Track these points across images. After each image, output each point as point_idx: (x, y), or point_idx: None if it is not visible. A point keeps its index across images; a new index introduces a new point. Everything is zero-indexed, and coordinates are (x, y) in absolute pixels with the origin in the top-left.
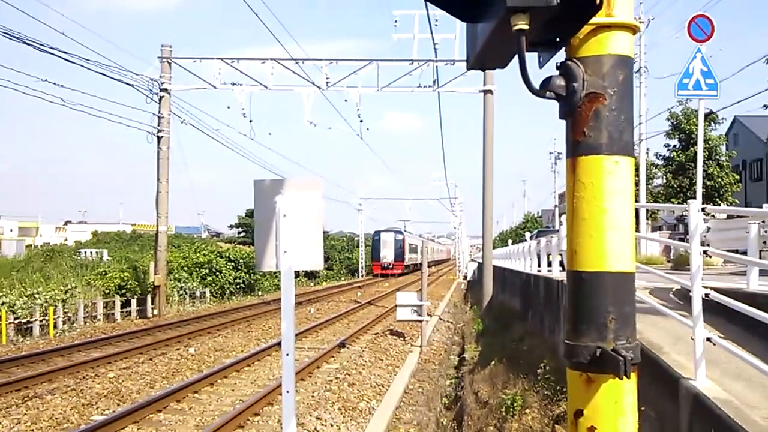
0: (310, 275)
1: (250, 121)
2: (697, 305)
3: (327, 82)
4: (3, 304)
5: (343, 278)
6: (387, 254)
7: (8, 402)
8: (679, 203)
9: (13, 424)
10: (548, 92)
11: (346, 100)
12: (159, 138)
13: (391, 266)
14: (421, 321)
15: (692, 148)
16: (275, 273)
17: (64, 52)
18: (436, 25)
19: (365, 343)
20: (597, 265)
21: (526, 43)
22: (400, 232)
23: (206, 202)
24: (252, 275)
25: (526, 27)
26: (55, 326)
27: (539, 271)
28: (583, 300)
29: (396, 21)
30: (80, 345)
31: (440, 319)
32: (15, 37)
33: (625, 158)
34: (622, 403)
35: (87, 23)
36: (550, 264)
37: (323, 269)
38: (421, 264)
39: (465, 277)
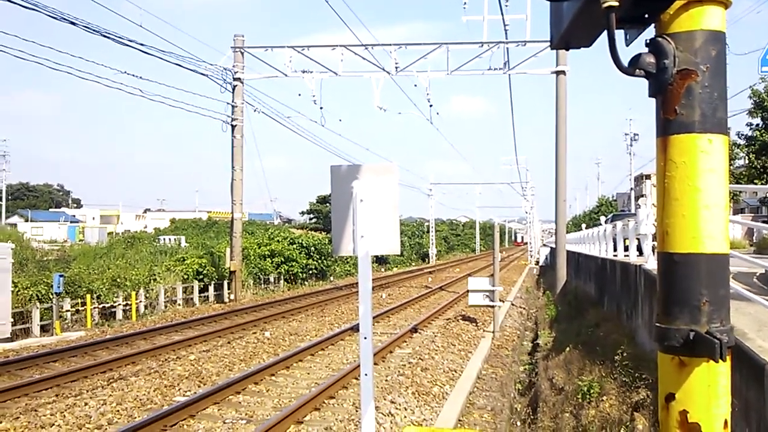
0: (381, 261)
1: (321, 107)
2: None
3: (396, 67)
4: (89, 291)
5: (413, 263)
6: (518, 238)
7: (94, 383)
8: (762, 184)
9: (100, 404)
10: (637, 70)
11: (415, 85)
12: (233, 126)
13: (520, 243)
14: (493, 306)
15: None
16: (347, 259)
17: (141, 44)
18: (506, 5)
19: (437, 328)
20: (690, 247)
21: (615, 21)
22: (518, 232)
23: (278, 188)
24: (324, 261)
25: (616, 4)
26: (137, 310)
27: (615, 255)
28: (676, 282)
29: (465, 2)
30: (161, 328)
31: (512, 304)
32: (95, 30)
33: (718, 136)
34: (716, 386)
35: (161, 14)
36: (626, 248)
37: (394, 255)
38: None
39: (537, 262)
